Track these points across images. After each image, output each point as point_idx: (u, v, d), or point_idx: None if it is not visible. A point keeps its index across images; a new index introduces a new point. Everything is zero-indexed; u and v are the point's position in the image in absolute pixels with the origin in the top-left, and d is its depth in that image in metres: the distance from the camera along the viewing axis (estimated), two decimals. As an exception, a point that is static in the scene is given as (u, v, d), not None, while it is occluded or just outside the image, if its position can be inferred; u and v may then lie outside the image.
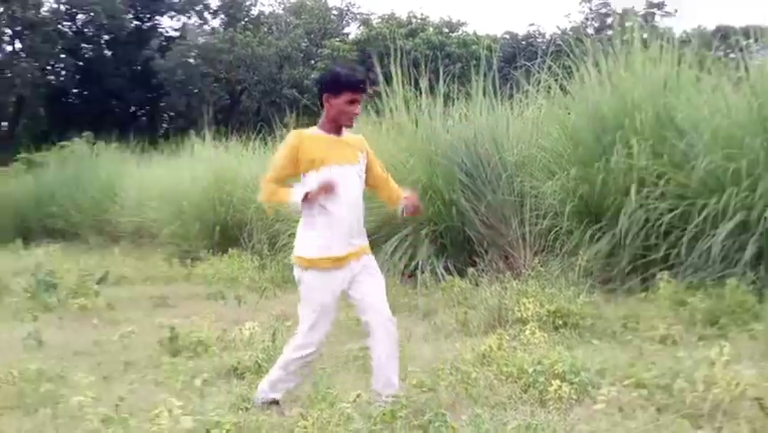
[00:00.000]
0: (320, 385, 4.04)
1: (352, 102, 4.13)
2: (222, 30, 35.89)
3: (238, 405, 4.25)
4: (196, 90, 33.02)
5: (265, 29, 37.01)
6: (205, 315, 6.53)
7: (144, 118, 38.08)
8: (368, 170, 4.42)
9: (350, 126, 4.26)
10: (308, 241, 4.18)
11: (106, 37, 35.97)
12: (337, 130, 4.22)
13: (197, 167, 14.11)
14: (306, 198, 4.08)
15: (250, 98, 34.30)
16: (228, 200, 12.99)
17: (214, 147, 14.81)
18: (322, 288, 4.16)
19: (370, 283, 4.25)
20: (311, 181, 4.12)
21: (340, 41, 35.21)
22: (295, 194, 4.10)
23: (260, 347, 5.61)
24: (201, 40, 33.96)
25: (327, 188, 4.07)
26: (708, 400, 3.79)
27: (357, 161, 4.30)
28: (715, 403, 3.77)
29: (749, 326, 5.77)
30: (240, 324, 6.59)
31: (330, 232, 4.14)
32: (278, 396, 4.24)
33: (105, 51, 36.23)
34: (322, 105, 4.21)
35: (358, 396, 3.97)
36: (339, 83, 4.14)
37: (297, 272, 4.27)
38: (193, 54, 33.47)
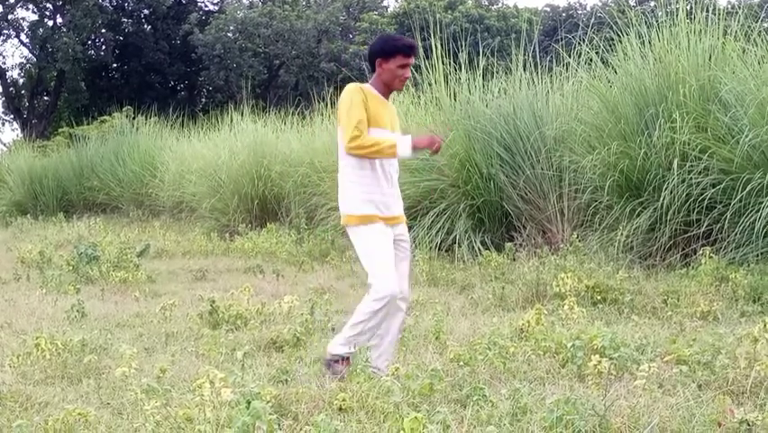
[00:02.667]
0: (358, 358, 4.06)
1: (404, 66, 4.26)
2: (260, 4, 35.89)
3: (278, 377, 4.28)
4: (234, 65, 33.06)
5: (303, 2, 36.89)
6: (244, 288, 6.58)
7: (183, 93, 38.31)
8: None
9: (400, 90, 4.47)
10: (361, 199, 4.23)
11: (146, 11, 36.17)
12: (387, 94, 4.34)
13: (236, 141, 14.17)
14: (417, 145, 4.19)
15: (288, 72, 34.27)
16: (266, 175, 13.04)
17: (252, 121, 14.85)
18: (383, 235, 4.24)
19: (400, 257, 4.37)
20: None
21: (378, 14, 35.01)
22: (402, 143, 4.16)
23: (298, 321, 5.65)
24: (240, 14, 33.95)
25: (436, 143, 4.23)
26: (751, 378, 3.75)
27: (398, 129, 4.45)
28: (758, 380, 3.73)
29: (793, 302, 5.69)
30: (278, 297, 6.65)
31: (381, 194, 4.26)
32: (349, 351, 4.23)
33: (145, 26, 36.46)
34: (373, 70, 4.33)
35: (396, 369, 3.98)
36: (391, 47, 4.29)
37: (352, 231, 4.31)
38: (231, 28, 33.51)
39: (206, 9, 37.69)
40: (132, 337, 5.71)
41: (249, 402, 2.90)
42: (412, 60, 4.28)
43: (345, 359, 4.23)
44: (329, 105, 13.55)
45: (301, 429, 3.34)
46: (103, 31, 34.82)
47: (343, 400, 3.53)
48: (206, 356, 4.98)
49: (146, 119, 19.65)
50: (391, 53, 4.24)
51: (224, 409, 3.19)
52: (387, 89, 4.32)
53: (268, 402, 3.43)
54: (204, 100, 38.06)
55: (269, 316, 6.19)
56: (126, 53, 35.47)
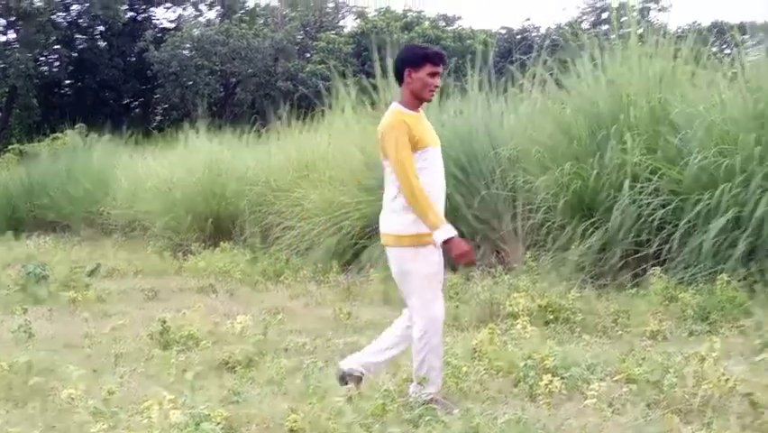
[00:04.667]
0: (310, 379, 4.03)
1: (434, 75, 4.18)
2: (217, 21, 35.75)
3: (229, 399, 4.23)
4: (190, 82, 32.83)
5: (261, 21, 36.86)
6: (197, 308, 6.51)
7: (138, 110, 37.89)
8: None
9: (430, 100, 4.31)
10: (414, 220, 4.13)
11: (101, 28, 35.75)
12: (418, 107, 4.24)
13: (191, 159, 14.05)
14: (450, 245, 4.04)
15: (244, 91, 34.14)
16: (221, 193, 12.94)
17: (207, 139, 14.76)
18: (434, 257, 4.18)
19: None
20: (418, 162, 4.11)
21: (336, 33, 35.12)
22: (442, 232, 4.03)
23: (251, 341, 5.60)
24: (196, 32, 33.77)
25: (468, 258, 4.13)
26: (698, 396, 3.80)
27: (438, 142, 4.36)
28: (705, 399, 3.78)
29: (739, 322, 5.79)
30: (231, 317, 6.58)
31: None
32: (435, 389, 4.14)
33: (100, 42, 36.02)
34: (401, 82, 4.23)
35: (349, 390, 3.96)
36: (420, 56, 4.22)
37: (408, 252, 4.17)
38: (188, 46, 33.31)
39: (162, 26, 37.43)
40: (80, 359, 5.59)
41: (198, 424, 2.85)
42: (440, 69, 4.21)
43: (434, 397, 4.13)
44: (285, 123, 13.54)
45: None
46: (56, 47, 34.36)
47: (295, 421, 3.50)
48: (156, 377, 4.90)
49: (99, 136, 19.40)
50: (420, 62, 4.16)
51: (173, 432, 3.14)
52: (417, 101, 4.21)
53: (218, 424, 3.39)
54: (159, 118, 37.67)
55: (221, 336, 6.12)
56: (80, 70, 35.01)
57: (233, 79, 34.16)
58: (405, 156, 4.06)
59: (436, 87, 4.21)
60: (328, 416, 3.53)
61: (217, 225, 13.02)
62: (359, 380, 4.24)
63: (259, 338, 5.65)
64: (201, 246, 12.05)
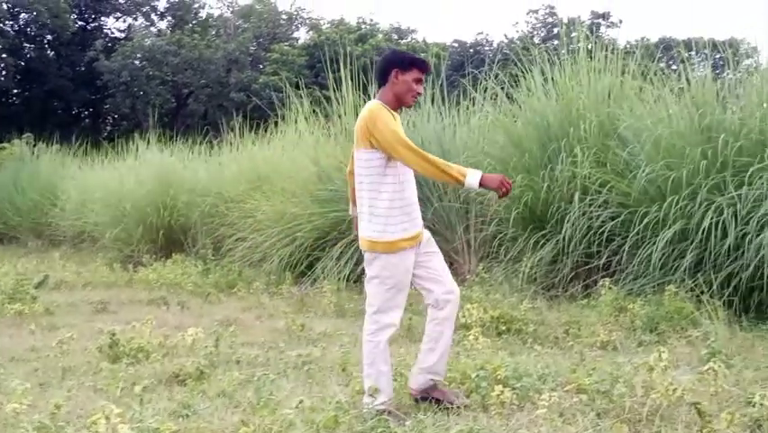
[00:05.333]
0: (262, 391, 3.99)
1: (418, 81, 4.19)
2: (169, 32, 35.45)
3: (179, 412, 4.17)
4: (141, 92, 32.47)
5: (213, 32, 36.65)
6: (147, 321, 6.41)
7: (88, 120, 37.34)
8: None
9: (410, 106, 4.33)
10: (388, 225, 4.11)
11: (49, 37, 35.20)
12: (396, 110, 4.23)
13: (141, 170, 13.91)
14: (485, 183, 4.03)
15: (196, 102, 33.87)
16: (172, 204, 12.81)
17: (159, 150, 14.62)
18: (404, 267, 4.14)
19: (432, 259, 4.30)
20: (390, 160, 4.07)
21: (289, 45, 35.05)
22: (472, 177, 4.01)
23: (202, 353, 5.54)
24: (147, 41, 33.43)
25: (505, 186, 4.08)
26: (647, 405, 3.85)
27: None
28: (653, 408, 3.83)
29: (687, 332, 5.89)
30: (182, 330, 6.49)
31: (409, 214, 4.16)
32: (386, 399, 4.12)
33: (48, 51, 35.47)
34: (383, 82, 4.20)
35: (301, 402, 3.93)
36: (408, 59, 4.24)
37: (379, 258, 4.14)
38: (138, 56, 32.97)
39: (113, 36, 37.01)
40: (26, 372, 5.48)
41: (146, 438, 2.81)
42: (423, 78, 4.23)
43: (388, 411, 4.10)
44: (238, 134, 13.47)
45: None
46: (3, 56, 33.72)
47: (246, 434, 3.46)
48: (105, 391, 4.81)
49: (47, 146, 19.09)
50: (408, 66, 4.16)
51: (121, 446, 3.08)
52: (398, 104, 4.19)
53: (167, 438, 3.34)
54: (109, 128, 37.16)
55: (172, 348, 6.03)
56: (28, 79, 34.40)
57: (185, 90, 33.89)
58: (394, 135, 4.00)
59: (419, 93, 4.23)
60: (279, 428, 3.51)
61: (168, 237, 12.90)
62: (434, 388, 4.21)
63: (210, 351, 5.59)
64: (152, 258, 11.91)
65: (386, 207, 4.10)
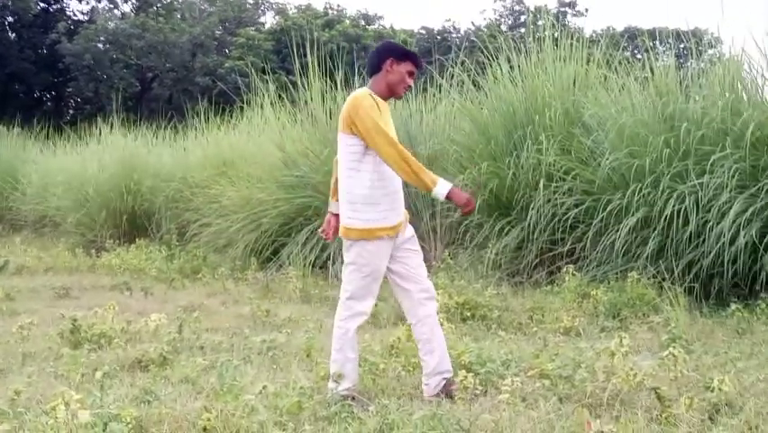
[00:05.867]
0: (225, 377, 3.97)
1: (411, 74, 4.21)
2: (133, 15, 34.97)
3: (141, 398, 4.13)
4: (104, 76, 32.05)
5: (178, 15, 36.22)
6: (110, 306, 6.33)
7: (49, 103, 36.76)
8: None
9: (400, 97, 4.35)
10: (366, 212, 4.09)
11: (10, 19, 34.55)
12: (386, 99, 4.22)
13: (105, 155, 13.75)
14: (454, 197, 4.06)
15: (161, 86, 33.51)
16: (136, 189, 12.70)
17: (122, 135, 14.45)
18: (380, 256, 4.13)
19: (411, 257, 4.29)
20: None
21: (255, 30, 34.79)
22: (441, 187, 4.05)
23: (165, 339, 5.48)
24: (111, 24, 32.94)
25: (471, 206, 4.10)
26: (608, 390, 3.89)
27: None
28: (614, 393, 3.88)
29: (649, 318, 5.97)
30: (146, 316, 6.43)
31: (389, 203, 4.14)
32: (350, 384, 4.13)
33: (9, 33, 34.80)
34: (376, 71, 4.18)
35: (264, 388, 3.91)
36: (403, 51, 4.26)
37: (356, 245, 4.13)
38: (102, 39, 32.49)
39: (75, 18, 36.42)
40: (-15, 359, 5.39)
41: (106, 425, 2.78)
42: (417, 73, 4.25)
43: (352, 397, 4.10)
44: (203, 119, 13.36)
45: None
46: (-37, 37, 33.09)
47: (208, 420, 3.44)
48: (66, 377, 4.75)
49: (8, 130, 18.77)
50: (404, 57, 4.18)
51: (81, 432, 3.05)
52: (389, 93, 4.19)
53: (127, 424, 3.31)
54: (71, 112, 36.63)
55: (134, 334, 5.97)
56: (-13, 61, 33.77)
57: (150, 74, 33.51)
58: (375, 121, 3.99)
59: (410, 86, 4.24)
60: (242, 414, 3.49)
61: (132, 222, 12.78)
62: (450, 382, 4.16)
63: (174, 337, 5.53)
64: (115, 243, 11.80)
65: (363, 194, 4.09)
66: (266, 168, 10.39)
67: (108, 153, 13.71)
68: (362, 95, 4.11)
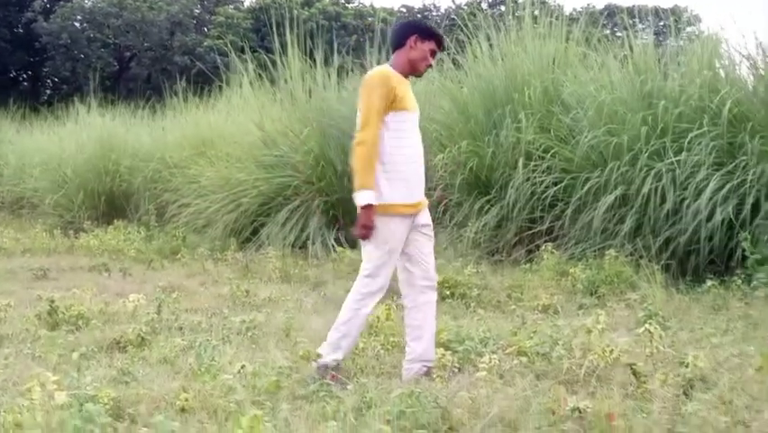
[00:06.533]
0: (203, 357, 3.96)
1: (433, 53, 4.24)
2: (110, -7, 34.56)
3: (119, 379, 4.11)
4: (82, 55, 31.68)
5: (156, -6, 35.84)
6: (88, 287, 6.31)
7: (26, 83, 36.34)
8: None
9: (420, 75, 4.38)
10: (388, 188, 4.09)
11: (-15, -3, 34.16)
12: (406, 76, 4.23)
13: (82, 135, 13.62)
14: (364, 212, 4.02)
15: (139, 65, 33.16)
16: (114, 170, 12.61)
17: (100, 115, 14.31)
18: (399, 232, 4.13)
19: (425, 243, 4.29)
20: (392, 124, 4.09)
21: (234, 8, 34.49)
22: (367, 195, 4.01)
23: (144, 320, 5.46)
24: (88, 3, 32.54)
25: (366, 232, 4.05)
26: (584, 367, 3.92)
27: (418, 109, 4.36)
28: (590, 369, 3.91)
29: (626, 295, 6.01)
30: (124, 296, 6.40)
31: (407, 180, 4.14)
32: (340, 357, 4.13)
33: (-17, 12, 34.41)
34: (399, 46, 4.20)
35: (242, 367, 3.92)
36: (429, 29, 4.29)
37: (376, 220, 4.09)
38: (79, 17, 32.10)
39: (52, -4, 35.94)
40: (-39, 341, 5.34)
41: (82, 405, 2.77)
42: (438, 52, 4.29)
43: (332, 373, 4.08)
44: (182, 99, 13.26)
45: (138, 432, 3.21)
46: (-65, 16, 32.58)
47: (186, 399, 3.44)
48: (43, 359, 4.73)
49: (-16, 110, 18.58)
50: (429, 36, 4.20)
51: (57, 414, 3.03)
52: (410, 70, 4.21)
53: (105, 405, 3.30)
54: (48, 92, 36.22)
55: (112, 315, 5.95)
56: (-38, 40, 33.30)
57: (128, 53, 33.16)
58: (377, 104, 4.03)
59: (430, 65, 4.28)
60: (220, 393, 3.49)
61: (110, 203, 12.70)
62: (429, 371, 4.15)
63: (152, 317, 5.51)
64: (93, 224, 11.71)
65: (380, 171, 4.08)
66: (245, 147, 10.34)
67: (86, 134, 13.59)
68: (376, 73, 4.16)
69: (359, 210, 4.06)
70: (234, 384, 3.56)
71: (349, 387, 3.83)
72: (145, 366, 4.46)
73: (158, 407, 3.52)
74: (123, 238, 10.40)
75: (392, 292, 6.47)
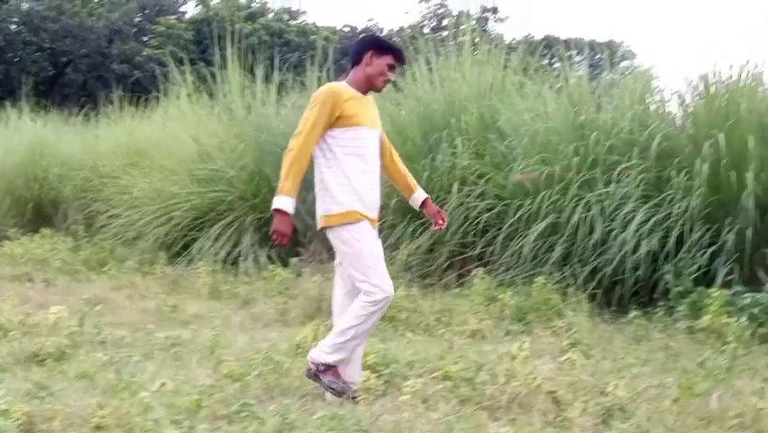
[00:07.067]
0: (123, 373, 3.87)
1: (391, 67, 4.18)
2: (48, -3, 33.89)
3: (34, 393, 3.98)
4: (16, 59, 30.94)
5: (96, 0, 35.27)
6: (8, 297, 6.12)
7: (-44, 84, 35.38)
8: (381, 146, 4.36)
9: (379, 91, 4.30)
10: (345, 198, 4.04)
11: None
12: (365, 92, 4.19)
13: (12, 140, 13.32)
14: (277, 217, 3.98)
15: (75, 71, 32.48)
16: (44, 177, 12.35)
17: (31, 120, 14.01)
18: (368, 233, 4.08)
19: None
20: (342, 140, 4.05)
21: (176, 18, 34.13)
22: (282, 201, 3.97)
23: (65, 333, 5.33)
24: (25, 5, 31.84)
25: (280, 239, 4.01)
26: (507, 393, 3.94)
27: (380, 126, 4.32)
28: (512, 396, 3.93)
29: (552, 322, 6.06)
30: (46, 308, 6.23)
31: (358, 194, 4.08)
32: (336, 359, 4.03)
33: None
34: (356, 63, 4.17)
35: (163, 385, 3.84)
36: (385, 44, 4.25)
37: (338, 233, 4.06)
38: (15, 20, 31.37)
39: (-13, -3, 35.07)
40: None
41: (-9, 421, 2.68)
42: (397, 67, 4.24)
43: (333, 368, 4.03)
44: (118, 107, 13.06)
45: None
46: None
47: (102, 417, 3.35)
48: (-45, 371, 4.57)
49: None
50: (385, 50, 4.15)
51: (-36, 429, 2.93)
52: (367, 86, 4.16)
53: (16, 420, 3.20)
54: (-20, 94, 35.24)
55: (32, 327, 5.77)
56: None
57: (64, 59, 32.49)
58: (313, 117, 4.01)
59: (389, 80, 4.23)
60: (137, 411, 3.41)
61: (38, 211, 12.43)
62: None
63: (74, 330, 5.38)
64: (19, 232, 11.41)
65: (333, 183, 4.06)
66: (180, 160, 10.21)
67: (16, 138, 13.31)
68: (325, 88, 4.13)
69: (273, 215, 4.02)
70: (152, 402, 3.48)
71: (270, 408, 3.79)
72: (63, 381, 4.34)
73: (72, 424, 3.43)
74: (49, 248, 10.16)
75: (321, 313, 6.49)
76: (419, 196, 4.61)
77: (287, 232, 4.01)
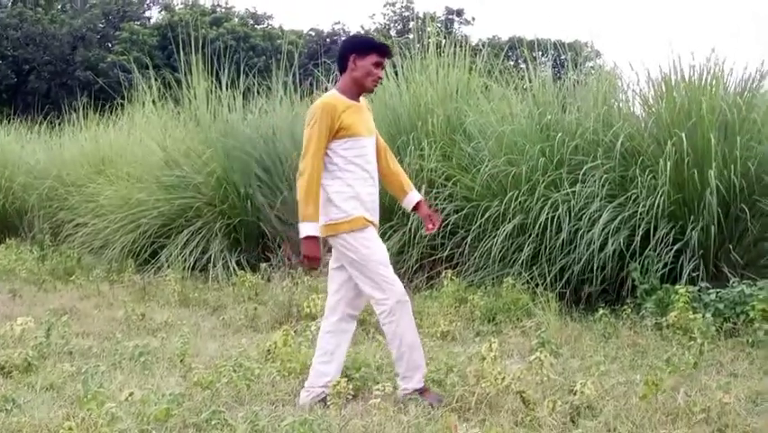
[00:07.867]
0: (90, 383, 3.84)
1: (378, 65, 4.14)
2: (10, 4, 33.46)
3: (0, 406, 3.95)
4: (-23, 67, 30.60)
5: (59, 6, 34.90)
6: (-28, 309, 6.04)
7: None
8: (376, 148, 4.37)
9: (371, 91, 4.28)
10: (348, 206, 4.06)
11: None
12: (357, 96, 4.16)
13: (-26, 149, 13.12)
14: (305, 243, 4.00)
15: (38, 79, 32.12)
16: (7, 186, 12.21)
17: (-7, 129, 13.84)
18: (375, 240, 4.12)
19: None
20: (341, 151, 4.07)
21: (140, 24, 33.89)
22: (308, 227, 4.01)
23: (32, 344, 5.26)
24: (-15, 13, 31.49)
25: (310, 262, 4.07)
26: (476, 394, 3.97)
27: (375, 131, 4.32)
28: (482, 396, 3.96)
29: (522, 322, 6.12)
30: (12, 319, 6.15)
31: (361, 202, 4.10)
32: (420, 375, 4.11)
33: None
34: (343, 69, 4.15)
35: (131, 394, 3.81)
36: (366, 43, 4.23)
37: (344, 240, 4.07)
38: (-24, 28, 31.01)
39: (-52, 5, 34.57)
40: None
41: (-45, 436, 2.64)
42: (384, 61, 4.20)
43: (425, 388, 4.10)
44: (82, 115, 12.92)
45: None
46: None
47: (69, 428, 3.32)
48: None
49: None
50: (367, 50, 4.12)
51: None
52: (358, 90, 4.14)
53: (-18, 434, 3.16)
54: (-59, 103, 34.71)
55: (-2, 339, 5.71)
56: None
57: (26, 66, 32.11)
58: (316, 135, 4.02)
59: (379, 78, 4.20)
60: (105, 422, 3.38)
61: (2, 221, 12.30)
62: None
63: (41, 341, 5.32)
64: (-18, 243, 11.26)
65: (336, 193, 4.09)
66: (146, 167, 10.13)
67: (-22, 148, 13.10)
68: (320, 103, 4.11)
69: (302, 242, 4.04)
70: (120, 413, 3.45)
71: (240, 415, 3.77)
72: (30, 393, 4.30)
73: (39, 436, 3.39)
74: (14, 258, 10.05)
75: (291, 318, 6.49)
76: (413, 198, 4.57)
77: (317, 255, 4.05)
